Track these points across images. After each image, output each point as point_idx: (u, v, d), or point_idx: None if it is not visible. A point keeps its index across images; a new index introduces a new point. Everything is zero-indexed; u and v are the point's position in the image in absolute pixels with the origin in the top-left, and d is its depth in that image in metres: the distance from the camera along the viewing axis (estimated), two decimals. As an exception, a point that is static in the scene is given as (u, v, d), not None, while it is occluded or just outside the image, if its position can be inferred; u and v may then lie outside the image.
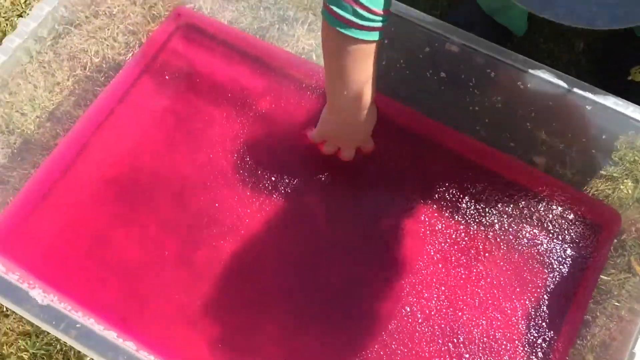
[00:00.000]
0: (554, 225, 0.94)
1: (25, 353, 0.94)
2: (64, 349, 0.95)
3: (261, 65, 1.06)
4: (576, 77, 0.87)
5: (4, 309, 0.97)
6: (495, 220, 0.95)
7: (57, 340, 0.94)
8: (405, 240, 0.94)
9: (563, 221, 0.95)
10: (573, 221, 0.95)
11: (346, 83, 0.81)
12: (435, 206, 0.96)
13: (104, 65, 1.04)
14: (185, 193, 0.97)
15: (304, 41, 1.05)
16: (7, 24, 1.17)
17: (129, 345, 0.80)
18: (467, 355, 0.87)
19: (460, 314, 0.89)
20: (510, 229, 0.94)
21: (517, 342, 0.88)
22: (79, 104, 1.02)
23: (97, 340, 0.77)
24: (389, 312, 0.89)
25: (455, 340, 0.88)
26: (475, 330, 0.88)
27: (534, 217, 0.95)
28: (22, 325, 0.96)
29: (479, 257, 0.92)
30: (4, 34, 1.15)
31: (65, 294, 0.86)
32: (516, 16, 1.09)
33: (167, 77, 1.06)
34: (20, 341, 0.95)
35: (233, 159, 0.99)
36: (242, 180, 0.97)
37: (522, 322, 0.89)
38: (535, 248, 0.93)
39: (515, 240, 0.93)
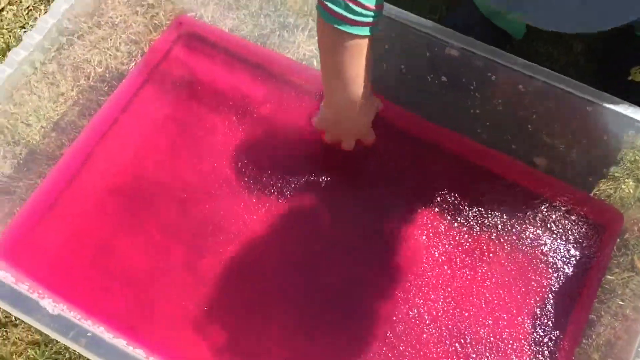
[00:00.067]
0: (557, 226, 0.95)
1: (35, 362, 0.95)
2: (73, 357, 0.95)
3: (262, 72, 1.07)
4: (576, 78, 0.88)
5: (13, 319, 0.97)
6: (498, 222, 0.95)
7: (67, 348, 0.95)
8: (410, 243, 0.94)
9: (566, 221, 0.95)
10: (576, 221, 0.95)
11: (340, 78, 0.83)
12: (438, 208, 0.96)
13: (107, 75, 1.04)
14: (189, 200, 0.97)
15: (304, 47, 1.06)
16: (10, 36, 1.17)
17: (139, 353, 0.81)
18: (474, 355, 0.87)
19: (466, 314, 0.90)
20: (514, 230, 0.95)
21: (523, 341, 0.88)
22: (83, 114, 1.02)
23: (107, 348, 0.77)
24: (396, 314, 0.90)
25: (462, 341, 0.88)
26: (482, 330, 0.89)
27: (537, 218, 0.96)
28: (31, 335, 0.96)
29: (484, 258, 0.93)
30: (7, 46, 1.16)
31: (73, 303, 0.87)
32: (515, 19, 1.10)
33: (169, 86, 1.06)
34: (29, 350, 0.95)
35: (235, 165, 1.00)
36: (244, 186, 0.98)
37: (528, 321, 0.89)
38: (539, 248, 0.94)
39: (519, 241, 0.94)
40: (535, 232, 0.95)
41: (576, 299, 0.91)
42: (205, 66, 1.08)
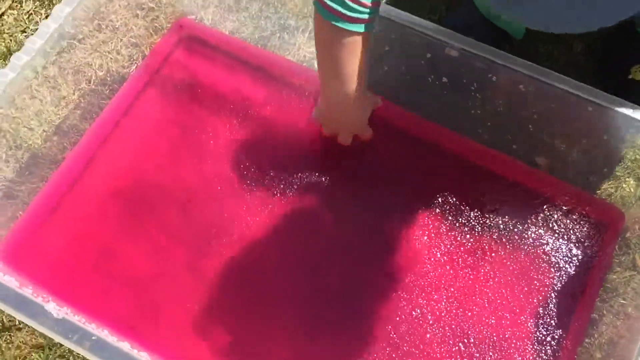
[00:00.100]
0: (558, 225, 0.95)
1: (39, 366, 0.95)
2: (77, 360, 0.95)
3: (263, 74, 1.07)
4: (576, 78, 0.88)
5: (17, 323, 0.97)
6: (500, 222, 0.96)
7: (70, 352, 0.95)
8: (411, 243, 0.94)
9: (567, 221, 0.96)
10: (577, 220, 0.96)
11: (335, 73, 0.84)
12: (439, 208, 0.97)
13: (109, 79, 1.05)
14: (191, 203, 0.98)
15: (305, 49, 1.06)
16: (10, 40, 1.18)
17: (143, 356, 0.81)
18: (477, 355, 0.88)
19: (469, 314, 0.90)
20: (515, 230, 0.95)
21: (526, 340, 0.88)
22: (85, 118, 1.02)
23: (111, 351, 0.77)
24: (398, 314, 0.90)
25: (465, 341, 0.89)
26: (485, 330, 0.89)
27: (539, 218, 0.96)
28: (35, 338, 0.96)
29: (486, 258, 0.93)
30: (8, 50, 1.16)
31: (76, 306, 0.87)
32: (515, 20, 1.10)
33: (170, 88, 1.07)
34: (33, 354, 0.95)
35: (236, 167, 1.00)
36: (245, 188, 0.98)
37: (531, 321, 0.90)
38: (540, 248, 0.94)
39: (521, 241, 0.94)
40: (536, 232, 0.95)
41: (578, 298, 0.91)
42: (206, 69, 1.08)
